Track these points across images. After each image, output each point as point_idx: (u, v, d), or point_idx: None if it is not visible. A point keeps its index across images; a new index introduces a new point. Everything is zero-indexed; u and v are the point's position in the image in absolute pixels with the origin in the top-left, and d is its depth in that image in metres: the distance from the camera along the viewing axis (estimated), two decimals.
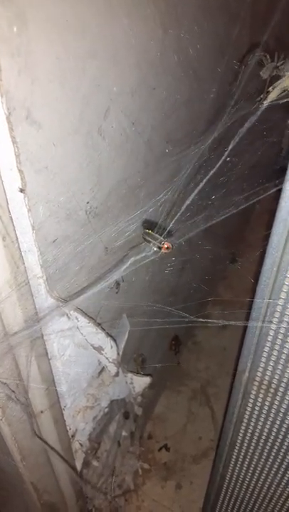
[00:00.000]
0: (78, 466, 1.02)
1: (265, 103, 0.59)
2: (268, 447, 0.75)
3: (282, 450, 0.74)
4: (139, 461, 1.35)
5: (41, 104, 0.50)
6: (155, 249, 0.56)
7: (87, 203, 0.64)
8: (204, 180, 0.57)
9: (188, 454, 1.44)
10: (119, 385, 1.04)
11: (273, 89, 0.60)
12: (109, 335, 0.79)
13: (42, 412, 0.73)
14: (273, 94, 0.60)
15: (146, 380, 1.08)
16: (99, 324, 0.75)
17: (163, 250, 0.55)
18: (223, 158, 0.56)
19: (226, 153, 0.55)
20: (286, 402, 0.64)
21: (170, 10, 0.68)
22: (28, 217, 0.54)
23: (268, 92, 0.60)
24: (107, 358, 0.83)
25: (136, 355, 1.11)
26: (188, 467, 1.41)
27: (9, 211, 0.52)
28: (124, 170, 0.70)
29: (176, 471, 1.40)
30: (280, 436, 0.72)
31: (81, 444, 0.99)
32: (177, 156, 0.75)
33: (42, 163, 0.53)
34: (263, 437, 0.73)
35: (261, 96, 0.58)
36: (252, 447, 0.77)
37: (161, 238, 0.56)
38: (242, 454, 0.80)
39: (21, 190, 0.51)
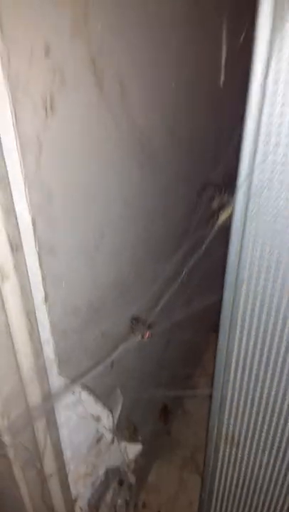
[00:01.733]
0: None
1: (216, 226, 0.83)
2: (241, 493, 0.89)
3: (256, 495, 0.88)
4: None
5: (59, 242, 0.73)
6: (139, 337, 0.76)
7: (88, 301, 0.85)
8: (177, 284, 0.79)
9: None
10: (114, 453, 1.18)
11: (222, 214, 0.84)
12: (105, 406, 0.96)
13: (51, 475, 0.88)
14: (222, 218, 0.84)
15: (138, 447, 1.22)
16: (97, 397, 0.93)
17: (145, 338, 0.76)
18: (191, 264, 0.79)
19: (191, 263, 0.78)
20: (247, 451, 0.81)
21: (150, 160, 0.95)
22: (47, 318, 0.74)
23: (218, 217, 0.84)
24: (104, 427, 0.99)
25: (128, 424, 1.26)
26: None
27: (35, 316, 0.72)
28: (115, 278, 0.92)
29: None
30: (250, 481, 0.87)
31: (81, 509, 1.11)
32: (155, 266, 0.99)
33: (59, 279, 0.75)
34: (234, 484, 0.88)
35: (213, 220, 0.82)
36: (227, 495, 0.92)
37: (144, 328, 0.77)
38: (219, 502, 0.94)
39: (45, 300, 0.72)
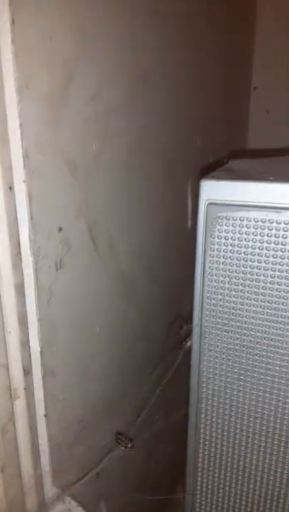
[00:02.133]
0: None
1: (186, 348, 1.03)
2: None
3: None
4: None
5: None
6: (123, 448, 0.90)
7: (79, 416, 1.00)
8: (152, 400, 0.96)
9: None
10: None
11: (189, 340, 1.04)
12: None
13: None
14: (189, 343, 1.04)
15: None
16: (84, 507, 1.02)
17: (128, 450, 0.90)
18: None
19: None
20: None
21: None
22: (45, 432, 0.89)
23: (187, 342, 1.04)
24: None
25: None
26: None
27: (37, 430, 0.87)
28: (102, 395, 1.09)
29: None
30: None
31: None
32: (136, 384, 1.17)
33: (57, 397, 0.91)
34: None
35: (182, 345, 1.03)
36: None
37: (126, 441, 0.92)
38: None
39: (45, 416, 0.87)
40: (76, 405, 0.99)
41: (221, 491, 0.94)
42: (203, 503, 0.96)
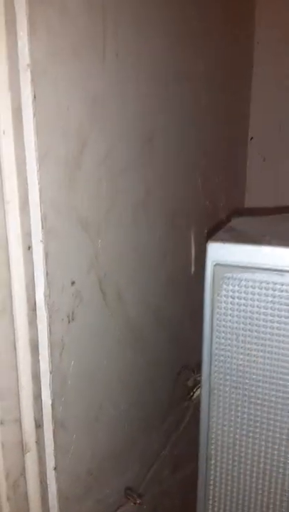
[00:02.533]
0: None
1: (193, 400, 1.04)
2: None
3: None
4: None
5: None
6: (132, 504, 0.90)
7: (87, 469, 1.00)
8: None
9: None
10: None
11: (196, 391, 1.06)
12: None
13: None
14: (196, 395, 1.06)
15: None
16: None
17: (137, 505, 0.90)
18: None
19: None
20: None
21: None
22: (55, 485, 0.89)
23: (194, 393, 1.05)
24: None
25: None
26: None
27: (47, 483, 0.87)
28: (111, 447, 1.09)
29: None
30: None
31: None
32: (145, 437, 1.17)
33: (67, 450, 0.92)
34: None
35: (189, 396, 1.04)
36: None
37: (136, 497, 0.91)
38: None
39: (54, 469, 0.88)
40: (85, 458, 0.99)
41: None
42: None
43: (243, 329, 0.79)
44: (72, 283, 0.90)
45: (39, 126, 0.74)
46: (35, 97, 0.74)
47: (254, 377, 0.79)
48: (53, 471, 0.89)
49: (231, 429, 0.82)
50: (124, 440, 1.14)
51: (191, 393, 1.04)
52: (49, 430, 0.87)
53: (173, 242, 1.42)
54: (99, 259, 0.98)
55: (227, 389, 0.82)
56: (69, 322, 0.90)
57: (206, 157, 1.65)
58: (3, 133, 0.68)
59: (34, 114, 0.74)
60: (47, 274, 0.81)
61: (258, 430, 0.81)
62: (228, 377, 0.82)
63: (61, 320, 0.87)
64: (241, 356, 0.80)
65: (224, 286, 0.79)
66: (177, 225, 1.44)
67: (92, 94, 0.90)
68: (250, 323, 0.78)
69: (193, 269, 1.69)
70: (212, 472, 0.86)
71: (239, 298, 0.78)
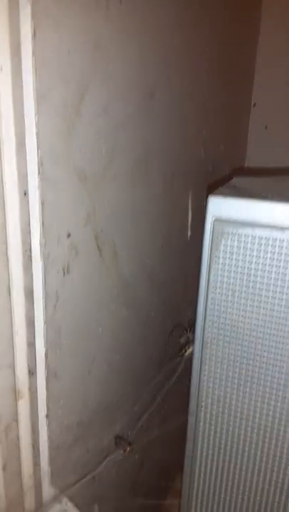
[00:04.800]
0: None
1: (185, 357, 1.06)
2: None
3: None
4: None
5: None
6: (122, 451, 0.92)
7: (78, 419, 1.02)
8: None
9: None
10: None
11: (188, 348, 1.07)
12: None
13: None
14: (188, 352, 1.07)
15: None
16: (79, 509, 1.03)
17: (127, 453, 0.92)
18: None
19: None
20: None
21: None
22: (46, 433, 0.91)
23: (186, 351, 1.07)
24: None
25: None
26: None
27: (38, 430, 0.89)
28: (102, 398, 1.11)
29: None
30: None
31: None
32: (136, 389, 1.19)
33: (59, 399, 0.93)
34: None
35: (181, 353, 1.05)
36: None
37: (126, 445, 0.94)
38: None
39: (46, 417, 0.89)
40: (76, 408, 1.01)
41: (216, 497, 0.96)
42: (198, 508, 0.98)
43: (239, 285, 0.79)
44: (68, 235, 0.89)
45: (38, 66, 0.71)
46: (34, 34, 0.71)
47: (248, 332, 0.80)
48: (45, 419, 0.91)
49: (222, 382, 0.84)
50: (116, 393, 1.16)
51: (183, 350, 1.06)
52: (42, 378, 0.88)
53: (171, 204, 1.41)
54: (96, 215, 0.97)
55: (220, 343, 0.83)
56: (64, 275, 0.89)
57: (208, 121, 1.61)
58: (1, 69, 0.65)
59: (33, 53, 0.71)
60: (43, 223, 0.80)
61: (248, 384, 0.82)
62: (221, 331, 0.83)
63: (56, 272, 0.86)
64: (236, 311, 0.80)
65: (223, 241, 0.78)
66: (176, 187, 1.42)
67: (94, 40, 0.87)
68: (246, 280, 0.78)
69: (189, 233, 1.68)
70: (201, 424, 0.88)
71: (237, 254, 0.77)
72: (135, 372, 1.26)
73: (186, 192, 1.57)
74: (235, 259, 0.79)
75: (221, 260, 0.80)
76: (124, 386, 1.20)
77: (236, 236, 0.78)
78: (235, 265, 0.80)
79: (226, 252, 0.80)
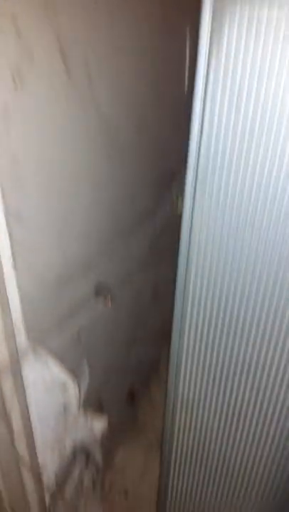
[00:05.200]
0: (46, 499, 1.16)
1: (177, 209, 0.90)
2: (197, 457, 0.96)
3: (211, 459, 0.95)
4: (101, 506, 1.47)
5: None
6: (102, 303, 0.82)
7: (56, 271, 0.91)
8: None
9: (146, 498, 1.57)
10: (81, 427, 1.23)
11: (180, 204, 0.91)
12: (71, 376, 1.01)
13: (18, 434, 0.92)
14: (180, 203, 0.92)
15: (103, 423, 1.27)
16: (63, 366, 0.98)
17: (108, 305, 0.82)
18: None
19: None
20: (200, 415, 0.88)
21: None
22: (15, 284, 0.79)
23: (178, 202, 0.91)
24: (70, 396, 1.04)
25: (94, 401, 1.31)
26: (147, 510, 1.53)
27: (4, 281, 0.77)
28: (83, 250, 0.98)
29: None
30: (204, 445, 0.94)
31: (49, 478, 1.15)
32: (120, 241, 1.06)
33: (28, 248, 0.80)
34: (190, 448, 0.95)
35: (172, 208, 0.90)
36: (184, 460, 0.98)
37: (106, 295, 0.83)
38: (178, 467, 1.01)
39: (13, 267, 0.77)
40: (52, 260, 0.89)
41: (206, 357, 0.89)
42: (186, 385, 0.91)
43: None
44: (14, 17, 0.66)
45: None
46: None
47: (244, 162, 0.63)
48: (12, 270, 0.78)
49: (217, 230, 0.69)
50: (98, 244, 1.02)
51: (175, 201, 0.91)
52: (1, 222, 0.73)
53: (163, 39, 1.13)
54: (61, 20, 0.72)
55: (213, 178, 0.67)
56: (16, 86, 0.69)
57: None
58: None
59: None
60: None
61: (242, 231, 0.68)
62: (216, 163, 0.66)
63: (3, 77, 0.66)
64: (232, 134, 0.63)
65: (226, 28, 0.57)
66: (170, 16, 1.13)
67: None
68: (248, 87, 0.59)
69: (186, 86, 1.42)
70: (192, 277, 0.76)
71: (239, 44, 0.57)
72: (122, 223, 1.11)
73: (184, 26, 1.27)
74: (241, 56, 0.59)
75: (224, 54, 0.59)
76: (108, 237, 1.06)
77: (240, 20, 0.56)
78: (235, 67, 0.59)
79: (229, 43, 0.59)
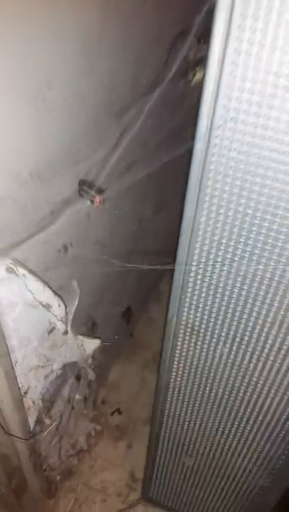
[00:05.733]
0: (31, 423, 1.09)
1: (192, 82, 0.67)
2: (199, 383, 0.85)
3: (214, 384, 0.84)
4: (92, 423, 1.43)
5: None
6: (88, 203, 0.63)
7: (32, 166, 0.71)
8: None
9: (139, 417, 1.54)
10: (71, 348, 1.12)
11: (200, 70, 0.68)
12: (56, 294, 0.87)
13: None
14: (199, 75, 0.68)
15: (96, 342, 1.16)
16: (46, 283, 0.82)
17: (96, 204, 0.63)
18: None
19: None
20: (207, 341, 0.74)
21: None
22: None
23: (194, 73, 0.67)
24: (55, 316, 0.90)
25: (87, 319, 1.19)
26: (139, 429, 1.50)
27: None
28: (66, 137, 0.76)
29: (128, 432, 1.50)
30: (210, 375, 0.82)
31: (33, 402, 1.06)
32: (115, 123, 0.82)
33: None
34: (192, 377, 0.83)
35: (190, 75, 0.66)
36: (184, 388, 0.87)
37: (94, 193, 0.64)
38: (176, 394, 0.90)
39: None
40: (29, 151, 0.69)
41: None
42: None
43: None
44: None
45: None
46: None
47: None
48: None
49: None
50: (83, 131, 0.79)
51: (191, 72, 0.67)
52: None
53: None
54: None
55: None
56: None
57: None
58: None
59: None
60: None
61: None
62: None
63: None
64: None
65: None
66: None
67: None
68: None
69: None
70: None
71: None
72: (115, 100, 0.85)
73: None
74: None
75: None
76: (97, 120, 0.82)
77: None
78: None
79: None
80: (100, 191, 0.65)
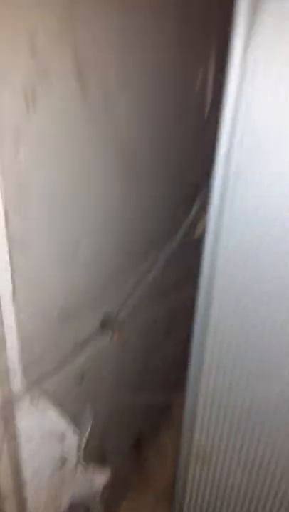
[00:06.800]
0: None
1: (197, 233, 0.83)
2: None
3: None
4: None
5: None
6: (109, 338, 0.73)
7: (60, 306, 0.83)
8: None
9: None
10: (80, 481, 1.10)
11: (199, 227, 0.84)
12: (71, 424, 0.91)
13: (7, 496, 0.82)
14: (199, 231, 0.85)
15: (105, 476, 1.14)
16: (63, 412, 0.88)
17: (115, 339, 0.73)
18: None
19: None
20: (219, 468, 0.76)
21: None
22: (14, 318, 0.72)
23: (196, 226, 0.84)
24: (68, 446, 0.93)
25: (97, 450, 1.19)
26: None
27: (1, 314, 0.70)
28: (90, 286, 0.90)
29: None
30: (222, 501, 0.81)
31: None
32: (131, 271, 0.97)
33: (30, 280, 0.73)
34: (206, 504, 0.82)
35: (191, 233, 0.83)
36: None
37: (114, 329, 0.74)
38: None
39: (13, 298, 0.69)
40: (57, 293, 0.81)
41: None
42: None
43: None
44: (33, 48, 0.61)
45: None
46: None
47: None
48: (11, 302, 0.71)
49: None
50: (107, 279, 0.94)
51: (194, 230, 0.84)
52: (2, 246, 0.66)
53: (185, 61, 1.09)
54: (77, 36, 0.68)
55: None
56: (28, 108, 0.63)
57: None
58: None
59: None
60: None
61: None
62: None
63: (16, 95, 0.61)
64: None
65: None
66: (192, 38, 1.09)
67: None
68: None
69: (207, 108, 1.37)
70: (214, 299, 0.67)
71: None
72: (131, 249, 1.02)
73: (208, 49, 1.24)
74: None
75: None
76: (118, 271, 0.98)
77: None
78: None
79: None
80: (121, 327, 0.76)
